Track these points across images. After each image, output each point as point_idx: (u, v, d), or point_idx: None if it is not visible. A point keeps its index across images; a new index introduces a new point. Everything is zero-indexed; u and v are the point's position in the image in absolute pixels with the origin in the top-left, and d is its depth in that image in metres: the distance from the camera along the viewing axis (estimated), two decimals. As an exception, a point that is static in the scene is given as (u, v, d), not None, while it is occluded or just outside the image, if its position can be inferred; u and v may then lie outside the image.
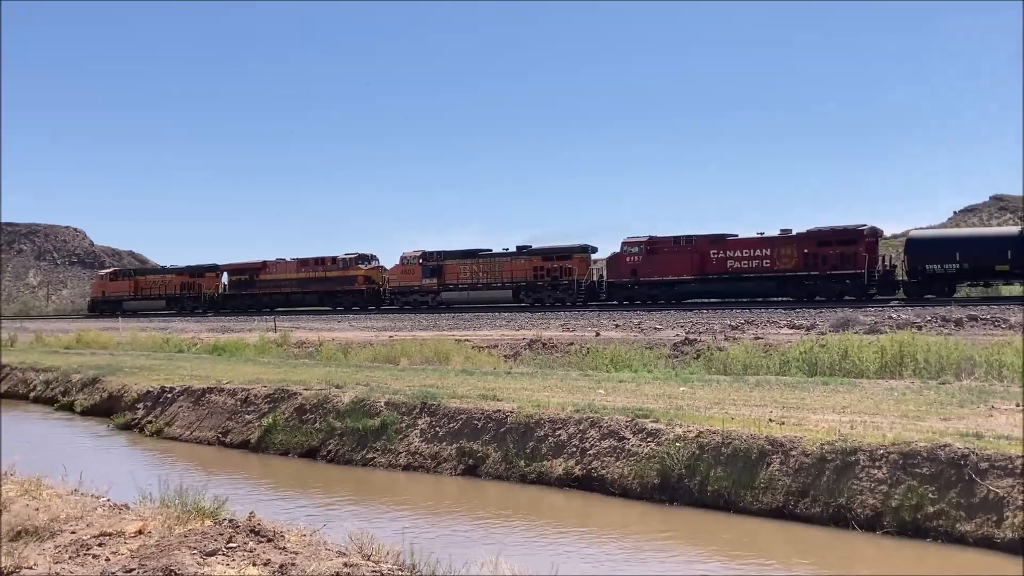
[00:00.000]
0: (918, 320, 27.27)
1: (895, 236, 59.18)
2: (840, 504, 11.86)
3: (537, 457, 15.19)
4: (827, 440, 12.50)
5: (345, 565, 7.54)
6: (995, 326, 25.51)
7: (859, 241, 44.52)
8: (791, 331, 27.60)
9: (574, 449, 14.87)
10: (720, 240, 48.43)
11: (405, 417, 17.41)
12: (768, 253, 46.77)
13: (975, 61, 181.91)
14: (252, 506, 10.36)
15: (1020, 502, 10.58)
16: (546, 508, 13.74)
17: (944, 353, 19.24)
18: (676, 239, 49.74)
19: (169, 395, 22.62)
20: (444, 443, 16.49)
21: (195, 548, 7.78)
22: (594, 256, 55.05)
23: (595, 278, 53.65)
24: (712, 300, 47.08)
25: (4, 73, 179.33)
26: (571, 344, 27.29)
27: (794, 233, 46.62)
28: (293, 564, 7.44)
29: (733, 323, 31.09)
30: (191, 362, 29.88)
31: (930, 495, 11.26)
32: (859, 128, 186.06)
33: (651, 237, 50.63)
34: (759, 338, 25.45)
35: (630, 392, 17.71)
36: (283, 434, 18.82)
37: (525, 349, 27.69)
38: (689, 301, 47.31)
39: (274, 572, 7.29)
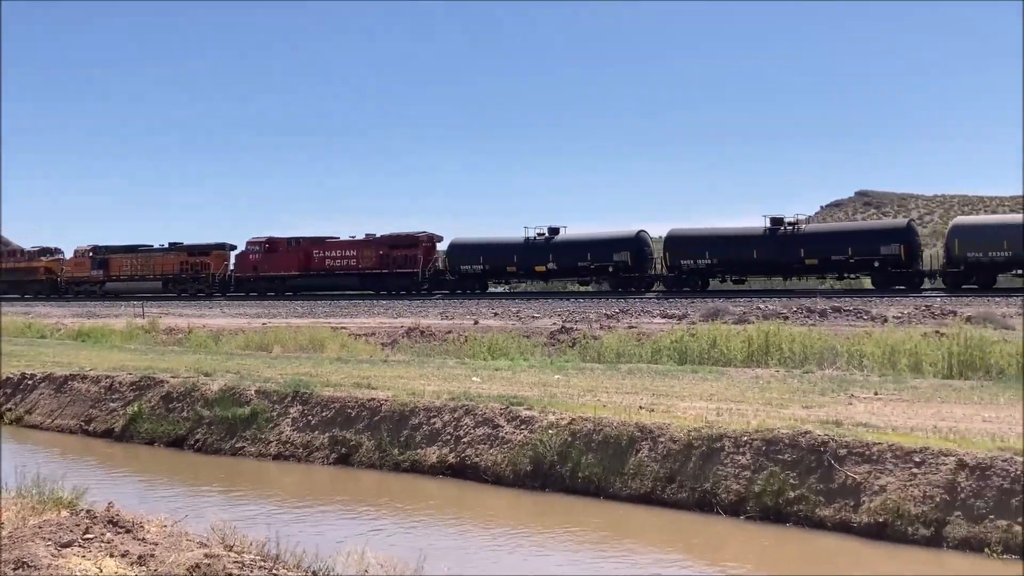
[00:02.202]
0: (784, 311, 28.10)
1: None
2: (706, 489, 12.12)
3: (411, 445, 15.12)
4: (694, 427, 12.77)
5: (206, 556, 7.39)
6: (857, 317, 26.47)
7: (418, 245, 52.77)
8: (664, 320, 28.15)
9: (448, 437, 14.84)
10: (321, 242, 56.89)
11: (276, 406, 17.12)
12: (355, 254, 54.81)
13: (839, 61, 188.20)
14: (114, 497, 10.06)
15: (876, 488, 10.99)
16: (419, 496, 13.68)
17: (808, 343, 19.86)
18: (288, 240, 57.65)
19: (30, 382, 21.77)
20: (316, 432, 16.27)
21: (50, 539, 7.53)
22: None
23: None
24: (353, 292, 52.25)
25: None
26: (449, 332, 27.28)
27: (376, 237, 54.42)
28: (152, 555, 7.25)
29: (609, 312, 31.54)
30: (54, 348, 28.83)
31: (791, 481, 11.60)
32: (747, 128, 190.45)
33: (270, 237, 58.18)
34: (633, 327, 25.88)
35: (506, 380, 17.77)
36: (149, 423, 18.29)
37: (403, 337, 27.55)
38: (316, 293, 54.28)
39: (132, 563, 7.08)
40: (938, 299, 31.32)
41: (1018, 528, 9.94)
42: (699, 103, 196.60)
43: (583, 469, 13.20)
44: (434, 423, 15.16)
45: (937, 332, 19.76)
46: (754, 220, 59.88)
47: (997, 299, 30.53)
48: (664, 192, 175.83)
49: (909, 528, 10.55)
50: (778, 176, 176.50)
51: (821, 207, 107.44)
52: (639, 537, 11.61)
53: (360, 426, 15.89)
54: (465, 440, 14.63)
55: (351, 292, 52.55)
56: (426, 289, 51.71)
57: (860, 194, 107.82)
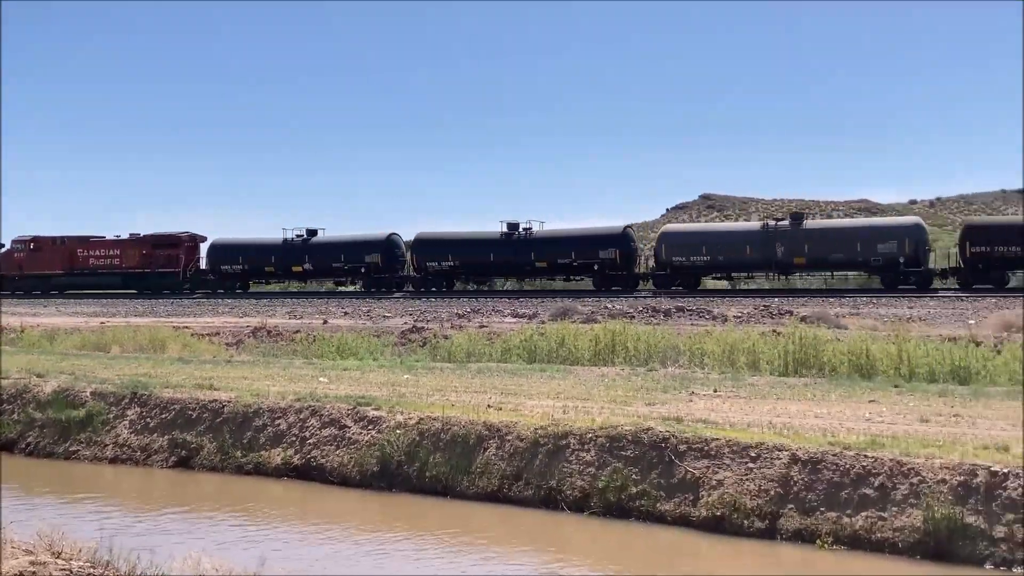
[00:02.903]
0: (631, 311, 28.69)
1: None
2: (551, 487, 12.25)
3: (255, 447, 14.79)
4: (541, 425, 12.88)
5: (32, 564, 7.04)
6: (699, 316, 27.22)
7: (180, 245, 54.17)
8: (515, 320, 28.35)
9: (294, 438, 14.58)
10: (85, 241, 57.07)
11: (113, 407, 16.51)
12: (118, 253, 55.53)
13: (680, 63, 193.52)
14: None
15: (714, 482, 11.30)
16: (262, 499, 13.39)
17: (652, 342, 20.30)
18: (54, 239, 57.38)
19: None
20: (155, 434, 15.75)
21: None
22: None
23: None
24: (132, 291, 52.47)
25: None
26: (297, 332, 26.81)
27: (140, 236, 55.20)
28: (-30, 566, 6.85)
29: (460, 312, 31.60)
30: None
31: (634, 476, 11.82)
32: (601, 129, 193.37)
33: (35, 236, 57.84)
34: (484, 326, 25.99)
35: (354, 380, 17.57)
36: (-25, 426, 17.36)
37: (249, 337, 26.92)
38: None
39: (-52, 575, 6.69)
40: (775, 299, 32.45)
41: (847, 519, 10.38)
42: (536, 104, 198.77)
43: (431, 469, 13.16)
44: (279, 424, 14.87)
45: (774, 331, 20.49)
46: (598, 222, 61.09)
47: (831, 299, 31.84)
48: (500, 193, 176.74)
49: (745, 521, 10.88)
50: (629, 178, 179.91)
51: (667, 209, 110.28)
52: (485, 535, 11.63)
53: (201, 428, 15.45)
54: (311, 441, 14.40)
55: (116, 291, 53.41)
56: (188, 288, 53.01)
57: (704, 197, 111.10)
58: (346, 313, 33.68)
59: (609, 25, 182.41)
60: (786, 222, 42.72)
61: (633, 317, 26.93)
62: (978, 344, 18.50)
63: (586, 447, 12.38)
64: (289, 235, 52.20)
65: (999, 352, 17.59)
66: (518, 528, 11.77)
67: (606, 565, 10.69)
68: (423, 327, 26.15)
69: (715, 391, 15.52)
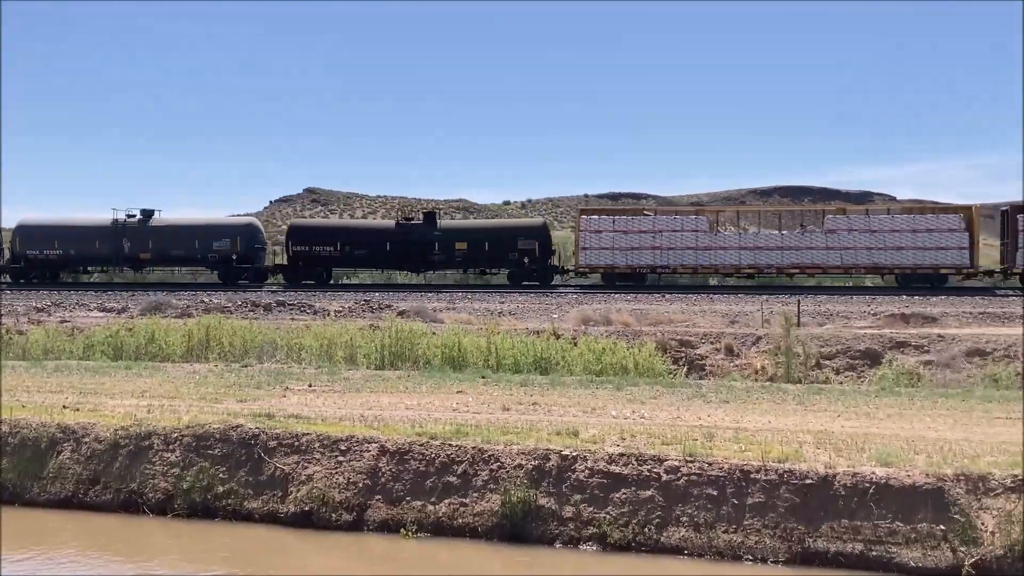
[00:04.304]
0: (229, 305, 27.92)
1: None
2: (132, 489, 11.63)
3: None
4: (122, 426, 12.18)
5: None
6: (301, 311, 26.99)
7: None
8: (102, 314, 26.61)
9: None
10: None
11: None
12: None
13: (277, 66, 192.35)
14: None
15: (304, 477, 11.21)
16: None
17: (249, 337, 19.88)
18: None
19: None
20: None
21: None
22: None
23: None
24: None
25: None
26: None
27: None
28: None
29: (40, 305, 29.18)
30: None
31: (221, 475, 11.47)
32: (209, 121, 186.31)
33: None
34: (66, 321, 24.18)
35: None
36: None
37: None
38: None
39: None
40: (376, 294, 32.89)
41: (431, 507, 10.69)
42: (135, 99, 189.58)
43: (-4, 475, 12.01)
44: None
45: (372, 326, 20.75)
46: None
47: (429, 294, 32.76)
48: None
49: (333, 515, 10.90)
50: (233, 170, 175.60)
51: (271, 202, 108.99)
52: (54, 543, 10.77)
53: None
54: None
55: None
56: None
57: (308, 191, 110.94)
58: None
59: (206, 23, 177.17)
60: (136, 218, 43.84)
61: (232, 312, 26.20)
62: (558, 337, 19.81)
63: (171, 447, 11.84)
64: None
65: (575, 344, 18.95)
66: (93, 534, 11.03)
67: (186, 567, 10.25)
68: (-7, 321, 23.83)
69: (310, 386, 15.45)
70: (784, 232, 39.21)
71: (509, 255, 39.80)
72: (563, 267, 40.49)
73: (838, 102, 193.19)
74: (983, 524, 9.31)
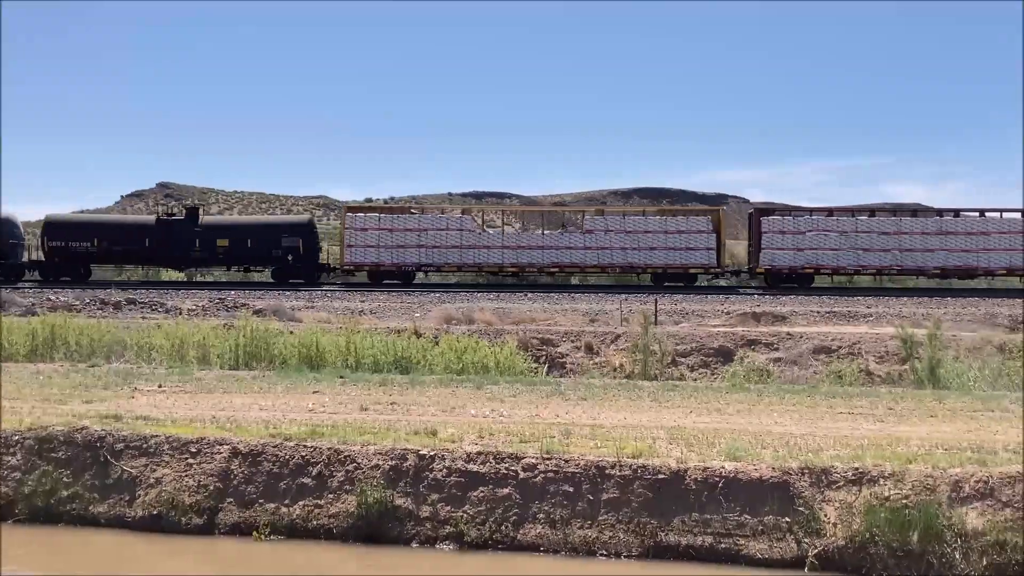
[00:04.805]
0: (77, 302, 26.88)
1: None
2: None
3: None
4: (-43, 429, 11.55)
5: None
6: (153, 309, 26.19)
7: None
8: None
9: None
10: None
11: None
12: None
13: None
14: None
15: (152, 480, 10.86)
16: None
17: (97, 336, 19.17)
18: None
19: None
20: None
21: None
22: None
23: None
24: None
25: None
26: None
27: None
28: None
29: None
30: None
31: (65, 479, 11.03)
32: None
33: None
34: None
35: None
36: None
37: None
38: None
39: None
40: (232, 292, 32.13)
41: (285, 509, 10.49)
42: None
43: None
44: None
45: (227, 325, 20.27)
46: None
47: (287, 292, 32.24)
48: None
49: (183, 518, 10.59)
50: (82, 164, 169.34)
51: (122, 196, 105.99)
52: None
53: None
54: None
55: None
56: None
57: (162, 185, 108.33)
58: None
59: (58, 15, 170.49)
60: None
61: (80, 310, 25.24)
62: (420, 336, 19.74)
63: (12, 450, 11.33)
64: None
65: (437, 343, 18.91)
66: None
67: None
68: None
69: (160, 386, 14.99)
70: (546, 232, 40.48)
71: (273, 252, 38.88)
72: (331, 265, 40.04)
73: (699, 107, 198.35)
74: (826, 516, 9.66)
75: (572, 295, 31.44)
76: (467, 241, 38.09)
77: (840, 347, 19.00)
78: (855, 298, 29.92)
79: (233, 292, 31.77)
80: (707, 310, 25.30)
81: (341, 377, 16.21)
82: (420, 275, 39.38)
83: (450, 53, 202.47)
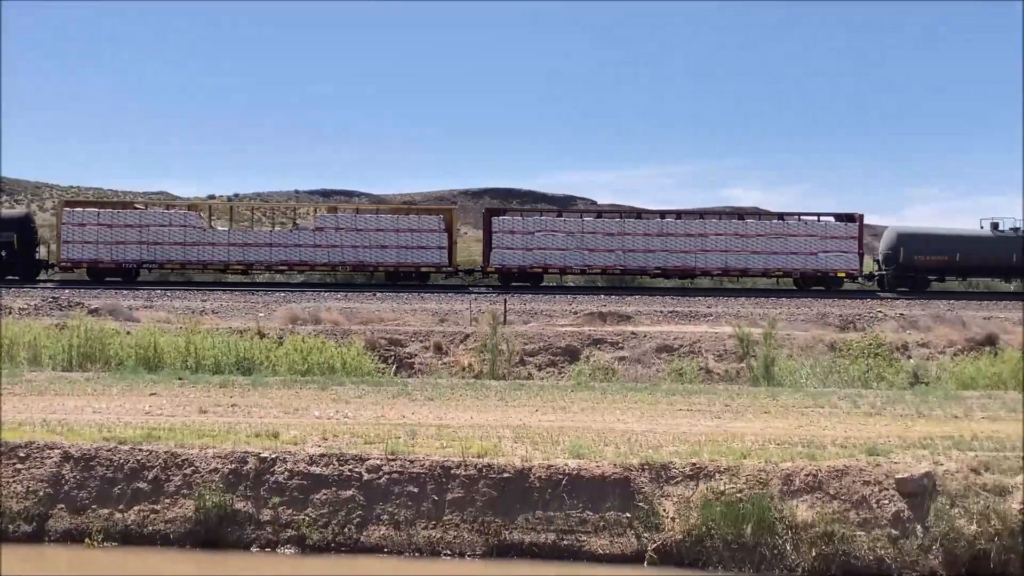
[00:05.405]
0: None
1: None
2: None
3: None
4: None
5: None
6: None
7: None
8: None
9: None
10: None
11: None
12: None
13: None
14: None
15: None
16: None
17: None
18: None
19: None
20: None
21: None
22: None
23: None
24: None
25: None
26: None
27: None
28: None
29: None
30: None
31: None
32: None
33: None
34: None
35: None
36: None
37: None
38: None
39: None
40: (67, 290, 30.84)
41: (119, 515, 10.13)
42: None
43: None
44: None
45: (60, 324, 19.46)
46: None
47: (124, 291, 31.09)
48: None
49: (11, 525, 10.16)
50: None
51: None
52: None
53: None
54: None
55: None
56: None
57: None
58: None
59: None
60: None
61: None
62: (263, 336, 19.37)
63: None
64: None
65: (281, 343, 18.59)
66: None
67: None
68: None
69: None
70: (276, 229, 40.18)
71: None
72: (50, 262, 38.26)
73: (550, 109, 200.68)
74: (665, 510, 9.91)
75: (422, 295, 31.35)
76: (191, 238, 37.02)
77: (681, 346, 19.53)
78: (696, 298, 30.77)
79: (67, 291, 30.47)
80: (556, 310, 25.61)
81: (180, 379, 15.75)
82: (144, 272, 37.54)
83: (305, 48, 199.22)
